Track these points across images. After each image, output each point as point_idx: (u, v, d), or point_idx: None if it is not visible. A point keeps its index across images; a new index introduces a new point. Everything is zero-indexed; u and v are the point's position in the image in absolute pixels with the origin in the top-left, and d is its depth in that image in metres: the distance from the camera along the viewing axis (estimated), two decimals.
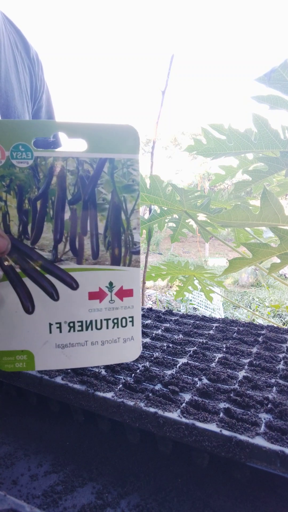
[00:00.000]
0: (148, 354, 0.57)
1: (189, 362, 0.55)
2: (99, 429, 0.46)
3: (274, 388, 0.47)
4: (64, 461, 0.41)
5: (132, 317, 0.34)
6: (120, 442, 0.45)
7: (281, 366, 0.54)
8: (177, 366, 0.53)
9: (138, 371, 0.51)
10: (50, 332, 0.32)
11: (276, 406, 0.42)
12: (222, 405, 0.42)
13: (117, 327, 0.34)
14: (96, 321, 0.33)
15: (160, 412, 0.40)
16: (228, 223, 0.78)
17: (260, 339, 0.66)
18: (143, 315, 0.80)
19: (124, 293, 0.33)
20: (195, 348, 0.60)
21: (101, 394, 0.44)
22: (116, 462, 0.41)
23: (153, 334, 0.66)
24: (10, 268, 0.29)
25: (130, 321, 0.34)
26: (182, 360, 0.55)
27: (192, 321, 0.76)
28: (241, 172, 1.04)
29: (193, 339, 0.65)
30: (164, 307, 3.89)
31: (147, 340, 0.64)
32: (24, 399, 0.52)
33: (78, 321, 0.32)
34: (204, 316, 0.80)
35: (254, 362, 0.55)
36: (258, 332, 0.70)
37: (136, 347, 0.35)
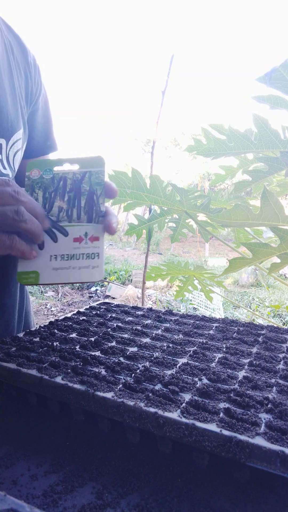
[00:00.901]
0: (148, 354, 0.57)
1: (189, 362, 0.55)
2: (99, 429, 0.46)
3: (274, 388, 0.47)
4: (64, 461, 0.41)
5: (98, 253, 0.52)
6: (120, 442, 0.45)
7: (281, 366, 0.54)
8: (177, 366, 0.53)
9: (138, 371, 0.51)
10: (50, 260, 0.52)
11: (276, 406, 0.42)
12: (222, 405, 0.42)
13: (88, 258, 0.52)
14: (76, 254, 0.52)
15: (160, 412, 0.40)
16: (228, 223, 0.78)
17: (260, 339, 0.65)
18: (143, 315, 0.81)
19: (93, 239, 0.53)
20: (195, 348, 0.60)
21: (101, 394, 0.44)
22: (116, 462, 0.41)
23: (153, 334, 0.66)
24: None
25: (96, 255, 0.52)
26: (182, 360, 0.55)
27: (192, 321, 0.76)
28: (241, 172, 1.04)
29: (193, 339, 0.65)
30: (164, 307, 3.89)
31: (147, 340, 0.64)
32: (24, 399, 0.52)
33: (66, 254, 0.52)
34: (204, 316, 0.80)
35: (254, 362, 0.55)
36: (258, 332, 0.70)
37: (100, 272, 0.52)
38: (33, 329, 0.70)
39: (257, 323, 0.76)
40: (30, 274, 0.51)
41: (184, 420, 0.39)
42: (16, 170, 0.75)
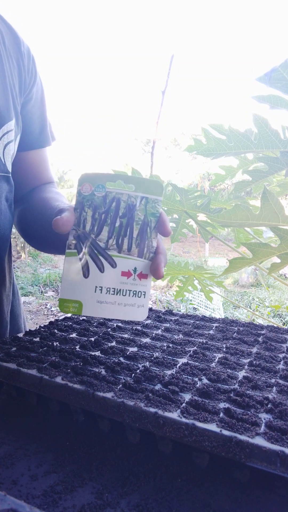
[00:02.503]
0: (148, 354, 0.57)
1: (189, 362, 0.55)
2: (99, 429, 0.46)
3: (274, 388, 0.47)
4: (64, 461, 0.41)
5: (145, 292, 0.50)
6: (120, 442, 0.45)
7: (281, 366, 0.54)
8: (177, 366, 0.53)
9: (138, 371, 0.51)
10: (95, 292, 0.49)
11: (276, 406, 0.42)
12: (222, 405, 0.42)
13: (135, 296, 0.50)
14: (122, 290, 0.49)
15: (160, 412, 0.40)
16: (228, 223, 0.78)
17: (260, 339, 0.65)
18: None
19: (142, 276, 0.50)
20: (195, 348, 0.60)
21: (101, 394, 0.44)
22: (116, 462, 0.41)
23: (153, 334, 0.66)
24: (79, 248, 0.48)
25: (143, 294, 0.50)
26: (182, 360, 0.55)
27: (192, 321, 0.76)
28: (241, 172, 1.04)
29: (193, 339, 0.65)
30: (164, 307, 3.89)
31: (147, 340, 0.64)
32: (24, 399, 0.52)
33: (112, 288, 0.49)
34: (204, 316, 0.80)
35: (254, 362, 0.55)
36: (258, 332, 0.70)
37: (145, 312, 0.50)
38: (33, 329, 0.70)
39: (257, 323, 0.76)
40: (73, 303, 0.48)
41: (184, 420, 0.39)
42: (6, 162, 0.72)
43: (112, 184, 0.49)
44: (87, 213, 0.48)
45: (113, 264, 0.49)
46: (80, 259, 0.48)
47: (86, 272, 0.48)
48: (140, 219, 0.49)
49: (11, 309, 0.83)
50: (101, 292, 0.49)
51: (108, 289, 0.49)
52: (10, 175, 0.76)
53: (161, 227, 0.50)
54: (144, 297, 0.50)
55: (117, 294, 0.49)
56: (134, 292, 0.49)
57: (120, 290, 0.49)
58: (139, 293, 0.49)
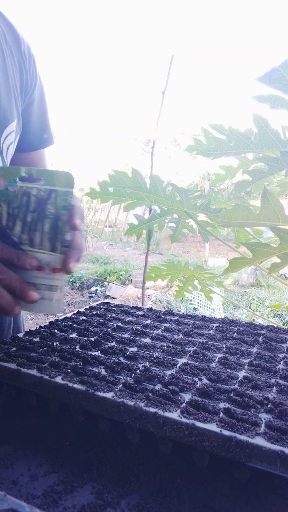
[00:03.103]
0: (148, 354, 0.57)
1: (189, 362, 0.55)
2: (99, 429, 0.46)
3: (274, 388, 0.47)
4: (64, 461, 0.41)
5: (59, 286, 0.50)
6: (120, 442, 0.45)
7: (281, 366, 0.54)
8: (177, 366, 0.53)
9: (138, 371, 0.51)
10: None
11: (276, 406, 0.42)
12: (222, 405, 0.42)
13: (49, 291, 0.50)
14: (36, 284, 0.49)
15: (160, 412, 0.40)
16: (228, 223, 0.78)
17: (260, 339, 0.65)
18: (143, 315, 0.81)
19: (56, 270, 0.50)
20: (195, 348, 0.60)
21: (101, 394, 0.44)
22: (116, 462, 0.41)
23: (153, 334, 0.66)
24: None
25: (58, 289, 0.50)
26: (182, 360, 0.55)
27: (192, 321, 0.76)
28: (241, 172, 1.04)
29: (193, 339, 0.65)
30: (164, 307, 3.89)
31: (147, 340, 0.64)
32: (24, 399, 0.52)
33: (26, 282, 0.49)
34: (204, 316, 0.80)
35: (254, 362, 0.55)
36: (258, 332, 0.70)
37: (59, 306, 0.51)
38: (33, 329, 0.70)
39: (257, 323, 0.76)
40: None
41: (184, 420, 0.39)
42: (8, 163, 0.73)
43: (24, 180, 0.49)
44: (3, 208, 0.48)
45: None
46: None
47: None
48: (51, 213, 0.49)
49: None
50: None
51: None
52: None
53: (70, 220, 0.49)
54: (60, 292, 0.50)
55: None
56: (49, 287, 0.49)
57: (34, 284, 0.49)
58: (54, 287, 0.49)
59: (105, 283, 5.58)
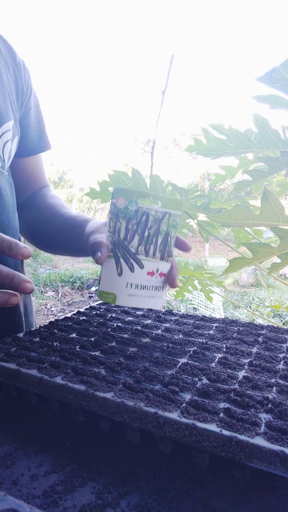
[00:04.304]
0: (148, 354, 0.57)
1: (189, 362, 0.55)
2: (99, 429, 0.46)
3: (274, 388, 0.47)
4: (64, 461, 0.41)
5: (163, 287, 0.62)
6: (120, 442, 0.45)
7: (281, 366, 0.54)
8: (177, 366, 0.53)
9: (138, 371, 0.51)
10: (126, 287, 0.59)
11: (276, 406, 0.42)
12: (222, 405, 0.42)
13: (156, 290, 0.61)
14: (147, 286, 0.60)
15: (160, 412, 0.40)
16: (228, 223, 0.78)
17: (260, 339, 0.65)
18: (143, 315, 0.81)
19: (162, 274, 0.61)
20: (195, 348, 0.60)
21: (101, 394, 0.44)
22: (116, 462, 0.41)
23: (153, 334, 0.66)
24: (115, 252, 0.58)
25: (161, 288, 0.62)
26: (182, 360, 0.55)
27: (192, 321, 0.76)
28: (241, 172, 1.04)
29: (193, 339, 0.65)
30: (164, 307, 3.88)
31: (147, 340, 0.64)
32: (24, 399, 0.52)
33: (140, 284, 0.60)
34: (204, 316, 0.80)
35: (254, 362, 0.55)
36: (258, 332, 0.70)
37: (162, 302, 0.63)
38: (33, 329, 0.70)
39: (257, 323, 0.76)
40: (109, 294, 0.59)
41: (184, 420, 0.39)
42: (6, 160, 0.75)
43: (143, 200, 0.58)
44: (121, 223, 0.57)
45: (141, 266, 0.59)
46: (116, 261, 0.58)
47: (120, 271, 0.58)
48: (163, 230, 0.59)
49: (24, 304, 0.86)
50: (131, 288, 0.59)
51: (137, 285, 0.59)
52: (10, 175, 0.78)
53: (183, 244, 0.63)
54: (163, 291, 0.62)
55: (143, 289, 0.60)
56: (156, 288, 0.61)
57: (145, 286, 0.60)
58: (159, 287, 0.62)
59: None
